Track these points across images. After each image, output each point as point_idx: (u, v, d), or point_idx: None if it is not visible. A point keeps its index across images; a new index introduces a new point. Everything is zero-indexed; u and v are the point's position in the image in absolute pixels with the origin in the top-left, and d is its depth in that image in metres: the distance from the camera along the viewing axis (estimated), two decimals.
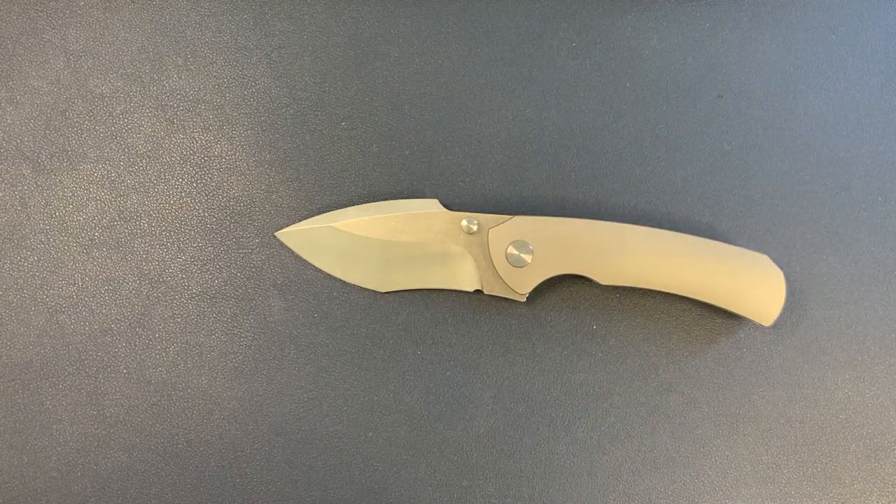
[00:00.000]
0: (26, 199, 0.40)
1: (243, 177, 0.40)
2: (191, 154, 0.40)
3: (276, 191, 0.40)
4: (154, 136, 0.40)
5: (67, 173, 0.40)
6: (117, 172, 0.40)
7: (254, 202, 0.40)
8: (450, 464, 0.39)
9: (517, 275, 0.38)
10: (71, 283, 0.40)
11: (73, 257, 0.40)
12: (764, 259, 0.37)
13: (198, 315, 0.40)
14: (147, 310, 0.40)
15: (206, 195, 0.40)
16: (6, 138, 0.40)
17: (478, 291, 0.39)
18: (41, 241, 0.40)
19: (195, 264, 0.40)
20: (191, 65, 0.41)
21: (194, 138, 0.40)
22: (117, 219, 0.40)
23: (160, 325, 0.40)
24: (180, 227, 0.40)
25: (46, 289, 0.40)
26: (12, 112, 0.40)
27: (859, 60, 0.41)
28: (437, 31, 0.41)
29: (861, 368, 0.40)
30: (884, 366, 0.40)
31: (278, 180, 0.40)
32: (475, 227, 0.38)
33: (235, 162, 0.40)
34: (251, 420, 0.39)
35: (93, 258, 0.40)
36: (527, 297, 0.38)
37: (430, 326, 0.40)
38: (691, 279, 0.37)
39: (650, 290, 0.39)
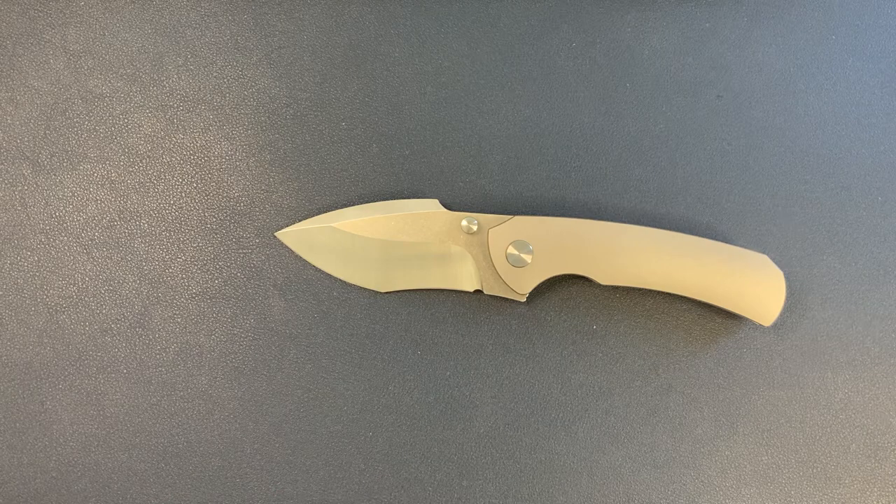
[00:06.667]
0: (26, 199, 0.40)
1: (243, 177, 0.40)
2: (191, 154, 0.40)
3: (276, 191, 0.40)
4: (154, 136, 0.40)
5: (67, 173, 0.40)
6: (117, 172, 0.40)
7: (254, 202, 0.40)
8: (450, 464, 0.39)
9: (517, 275, 0.38)
10: (71, 283, 0.40)
11: (73, 257, 0.40)
12: (764, 259, 0.37)
13: (198, 315, 0.40)
14: (147, 310, 0.40)
15: (206, 195, 0.40)
16: (6, 138, 0.40)
17: (478, 291, 0.39)
18: (41, 241, 0.40)
19: (195, 264, 0.40)
20: (191, 65, 0.41)
21: (194, 138, 0.40)
22: (117, 219, 0.40)
23: (160, 325, 0.40)
24: (180, 227, 0.40)
25: (46, 289, 0.40)
26: (12, 112, 0.40)
27: (859, 60, 0.41)
28: (437, 31, 0.41)
29: (861, 368, 0.40)
30: (884, 366, 0.40)
31: (278, 180, 0.40)
32: (475, 227, 0.38)
33: (235, 162, 0.40)
34: (251, 420, 0.39)
35: (93, 258, 0.40)
36: (527, 297, 0.38)
37: (430, 326, 0.40)
38: (691, 279, 0.37)
39: (650, 290, 0.39)
